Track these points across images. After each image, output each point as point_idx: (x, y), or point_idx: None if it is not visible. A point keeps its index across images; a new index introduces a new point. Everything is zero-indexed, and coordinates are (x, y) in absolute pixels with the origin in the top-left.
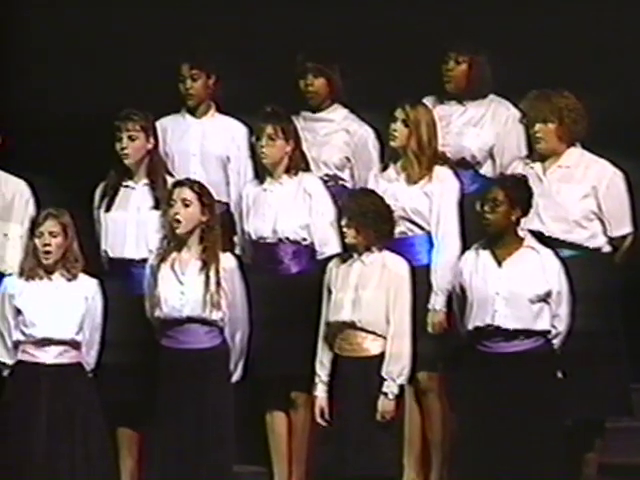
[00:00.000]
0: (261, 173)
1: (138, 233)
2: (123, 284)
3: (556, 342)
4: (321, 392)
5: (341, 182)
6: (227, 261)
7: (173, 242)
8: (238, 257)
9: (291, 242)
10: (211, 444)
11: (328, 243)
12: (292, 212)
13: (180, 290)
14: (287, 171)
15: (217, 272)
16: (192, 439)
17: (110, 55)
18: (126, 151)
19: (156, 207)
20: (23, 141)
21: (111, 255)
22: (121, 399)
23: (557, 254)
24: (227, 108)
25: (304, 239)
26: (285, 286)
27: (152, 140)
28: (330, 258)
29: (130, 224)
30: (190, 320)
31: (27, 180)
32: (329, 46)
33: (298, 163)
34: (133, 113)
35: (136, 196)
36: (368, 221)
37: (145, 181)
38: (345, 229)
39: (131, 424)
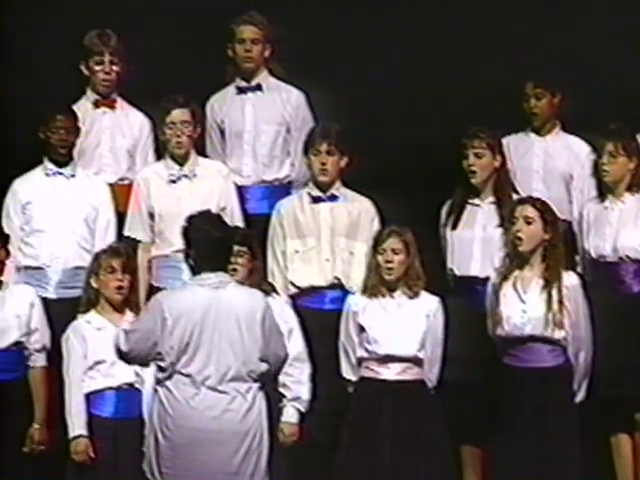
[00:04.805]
0: (603, 191)
1: (484, 251)
2: (468, 302)
3: None
4: None
5: None
6: (570, 279)
7: (515, 260)
8: (581, 276)
9: (632, 261)
10: (556, 463)
11: None
12: (633, 230)
13: (522, 308)
14: (629, 188)
15: (559, 291)
16: (536, 458)
17: (459, 73)
18: (473, 168)
19: (502, 225)
20: (368, 159)
21: (457, 273)
22: (463, 416)
23: None
24: (571, 127)
25: None
26: (627, 305)
27: (499, 158)
28: None
29: (476, 242)
30: (532, 339)
31: (372, 198)
32: None
33: None
34: (480, 131)
35: (482, 214)
36: None
37: (491, 199)
38: None
39: (474, 441)
